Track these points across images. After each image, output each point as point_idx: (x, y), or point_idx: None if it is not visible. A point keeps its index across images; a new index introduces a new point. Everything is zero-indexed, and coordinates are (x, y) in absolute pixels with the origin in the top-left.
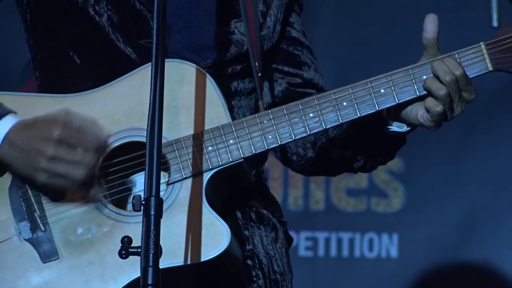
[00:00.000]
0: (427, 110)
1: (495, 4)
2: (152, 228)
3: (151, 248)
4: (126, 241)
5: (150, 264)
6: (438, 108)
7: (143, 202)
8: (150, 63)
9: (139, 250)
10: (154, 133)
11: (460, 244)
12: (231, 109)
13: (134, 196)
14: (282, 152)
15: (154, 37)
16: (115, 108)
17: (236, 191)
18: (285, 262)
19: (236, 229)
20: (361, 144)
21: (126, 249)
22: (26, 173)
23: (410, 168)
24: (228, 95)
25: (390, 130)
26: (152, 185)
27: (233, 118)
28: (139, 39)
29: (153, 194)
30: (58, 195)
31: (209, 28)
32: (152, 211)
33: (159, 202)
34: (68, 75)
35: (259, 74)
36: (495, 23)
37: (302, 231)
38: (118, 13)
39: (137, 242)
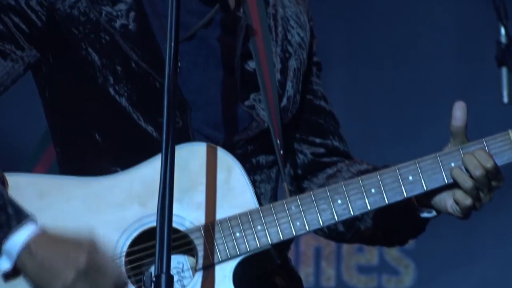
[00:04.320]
0: (456, 202)
1: (506, 80)
2: None
3: None
4: None
5: None
6: (468, 201)
7: (154, 280)
8: (180, 146)
9: None
10: (164, 209)
11: None
12: (253, 184)
13: (145, 273)
14: None
15: (165, 117)
16: (142, 192)
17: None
18: None
19: None
20: (390, 227)
21: None
22: (39, 286)
23: (421, 245)
24: (250, 170)
25: (420, 215)
26: (163, 262)
27: (256, 193)
28: (160, 118)
29: (164, 271)
30: None
31: (229, 104)
32: None
33: (170, 279)
34: (89, 153)
35: (282, 152)
36: (505, 99)
37: None
38: (138, 92)
39: None
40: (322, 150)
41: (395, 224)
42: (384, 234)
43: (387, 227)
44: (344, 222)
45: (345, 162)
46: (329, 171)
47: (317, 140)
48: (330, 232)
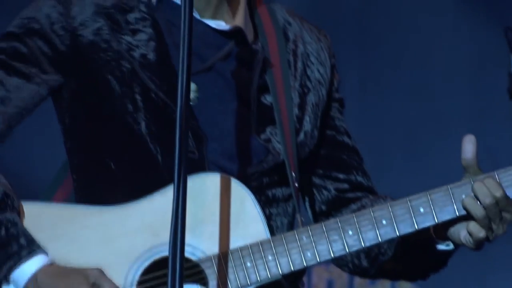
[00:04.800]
0: (470, 234)
1: None
2: None
3: None
4: None
5: None
6: (481, 234)
7: None
8: (193, 176)
9: None
10: (177, 239)
11: None
12: (269, 217)
13: None
14: (338, 259)
15: (177, 148)
16: (155, 222)
17: None
18: None
19: None
20: (410, 260)
21: None
22: None
23: (434, 277)
24: (266, 203)
25: (438, 248)
26: None
27: (271, 226)
28: None
29: None
30: None
31: (245, 136)
32: None
33: None
34: (104, 182)
35: (296, 185)
36: None
37: None
38: (156, 122)
39: None
40: (346, 185)
41: (415, 257)
42: (404, 267)
43: (407, 260)
44: (368, 257)
45: (370, 198)
46: (354, 206)
47: (341, 176)
48: (355, 268)
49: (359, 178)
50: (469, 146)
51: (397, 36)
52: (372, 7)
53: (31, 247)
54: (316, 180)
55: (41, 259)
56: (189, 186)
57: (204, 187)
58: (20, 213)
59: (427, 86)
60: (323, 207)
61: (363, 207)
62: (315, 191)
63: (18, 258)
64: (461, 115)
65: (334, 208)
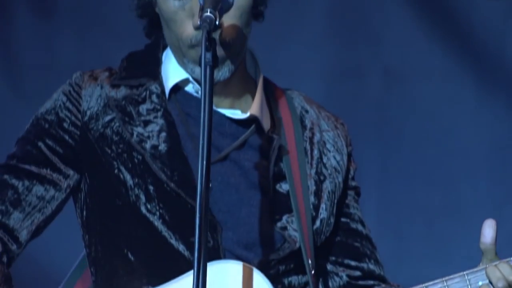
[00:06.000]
0: None
1: None
2: None
3: None
4: None
5: None
6: None
7: None
8: (215, 263)
9: None
10: None
11: None
12: None
13: None
14: None
15: (196, 237)
16: None
17: None
18: None
19: None
20: None
21: None
22: None
23: None
24: None
25: None
26: None
27: None
28: (191, 237)
29: None
30: None
31: (261, 225)
32: None
33: None
34: (123, 272)
35: (313, 272)
36: None
37: None
38: (170, 211)
39: None
40: (358, 273)
41: None
42: None
43: None
44: None
45: (382, 286)
46: None
47: (353, 263)
48: None
49: (371, 266)
50: (489, 231)
51: (417, 123)
52: (392, 95)
53: None
54: (328, 267)
55: None
56: (211, 273)
57: (226, 275)
58: None
59: (447, 172)
60: None
61: None
62: (327, 277)
63: None
64: (481, 202)
65: None
